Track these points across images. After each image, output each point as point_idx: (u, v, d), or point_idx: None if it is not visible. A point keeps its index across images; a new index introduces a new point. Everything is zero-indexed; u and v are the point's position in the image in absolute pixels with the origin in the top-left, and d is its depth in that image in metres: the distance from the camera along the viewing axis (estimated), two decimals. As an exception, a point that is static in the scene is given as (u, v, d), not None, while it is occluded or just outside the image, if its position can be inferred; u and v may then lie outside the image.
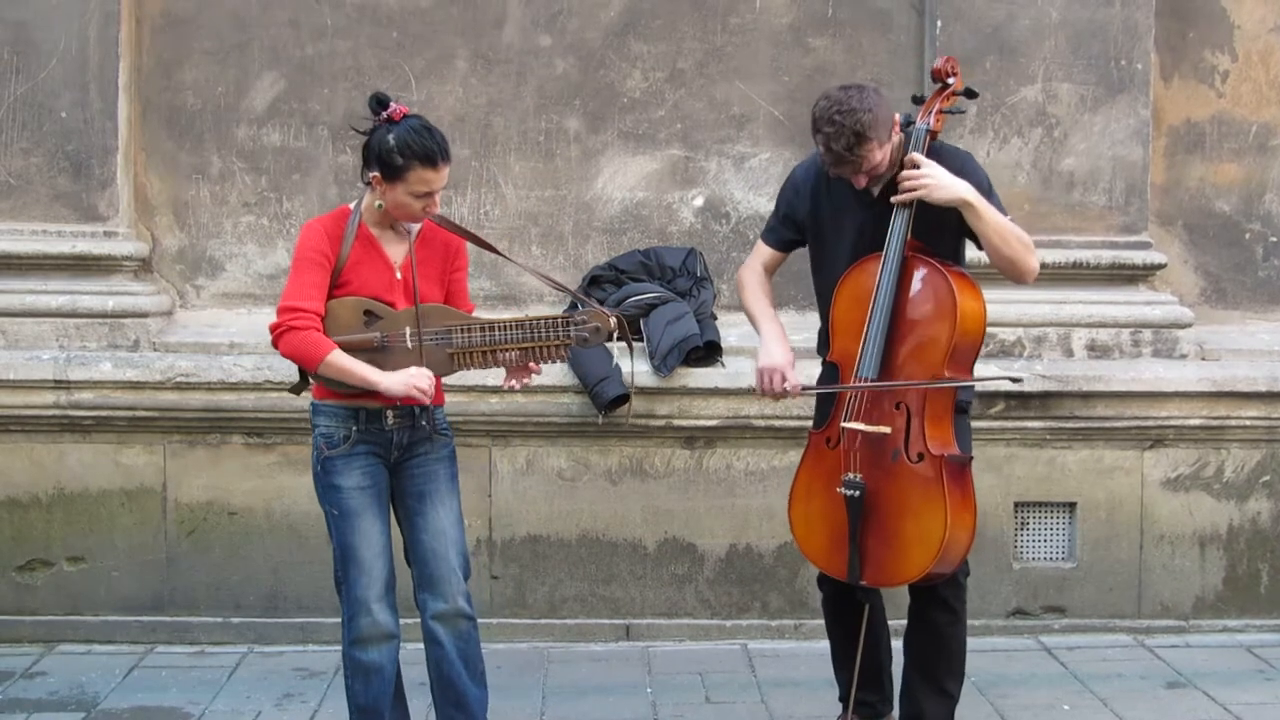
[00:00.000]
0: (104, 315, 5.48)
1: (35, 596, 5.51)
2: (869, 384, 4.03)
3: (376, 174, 3.85)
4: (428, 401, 3.86)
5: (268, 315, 5.63)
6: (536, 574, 5.58)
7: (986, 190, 4.08)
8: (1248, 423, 5.60)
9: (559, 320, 3.86)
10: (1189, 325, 5.67)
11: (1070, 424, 5.54)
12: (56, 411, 5.39)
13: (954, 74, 4.19)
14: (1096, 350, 5.61)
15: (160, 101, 5.70)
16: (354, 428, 3.92)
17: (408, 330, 3.87)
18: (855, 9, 5.77)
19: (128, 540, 5.51)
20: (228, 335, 5.56)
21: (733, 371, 5.45)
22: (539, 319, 3.87)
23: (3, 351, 5.41)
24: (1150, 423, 5.56)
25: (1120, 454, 5.61)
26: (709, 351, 5.47)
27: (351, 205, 3.99)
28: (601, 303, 5.45)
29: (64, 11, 5.45)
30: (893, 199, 4.02)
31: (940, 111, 4.15)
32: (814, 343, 4.44)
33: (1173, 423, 5.57)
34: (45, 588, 5.51)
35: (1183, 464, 5.65)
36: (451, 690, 4.03)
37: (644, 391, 5.39)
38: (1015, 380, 4.54)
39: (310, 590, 5.50)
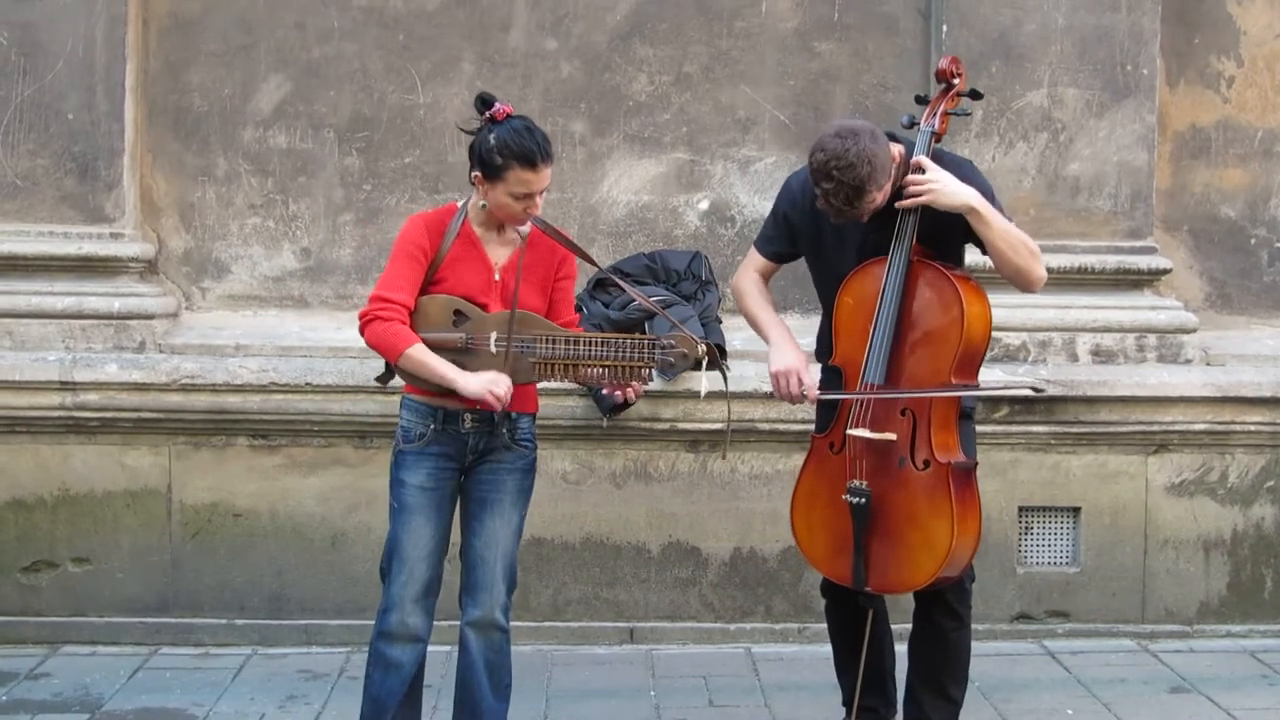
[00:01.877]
0: (110, 317, 5.48)
1: (40, 597, 5.51)
2: (885, 393, 4.00)
3: (478, 174, 3.85)
4: (499, 408, 3.83)
5: (273, 317, 5.70)
6: (540, 576, 5.58)
7: (989, 198, 4.03)
8: (1252, 428, 5.60)
9: (646, 342, 3.79)
10: (1194, 330, 5.67)
11: (1075, 429, 5.54)
12: (62, 413, 5.40)
13: (958, 75, 4.16)
14: (1101, 355, 5.61)
15: (167, 103, 5.71)
16: (431, 426, 3.92)
17: (493, 335, 3.85)
18: (861, 13, 5.77)
19: (132, 541, 5.51)
20: (233, 337, 5.57)
21: (737, 375, 5.44)
22: (626, 338, 3.82)
23: (9, 353, 5.41)
24: (1155, 428, 5.56)
25: (1125, 459, 5.61)
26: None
27: (459, 203, 3.99)
28: (606, 306, 5.46)
29: (71, 13, 5.45)
30: (898, 204, 3.98)
31: (945, 113, 4.12)
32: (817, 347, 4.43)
33: (1177, 428, 5.57)
34: (50, 589, 5.51)
35: (1187, 469, 5.64)
36: (469, 699, 4.04)
37: (648, 395, 5.39)
38: (1038, 390, 4.49)
39: (314, 592, 5.51)
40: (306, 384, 5.41)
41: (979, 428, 5.39)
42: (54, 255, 5.49)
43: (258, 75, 5.72)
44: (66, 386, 5.37)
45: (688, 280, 5.65)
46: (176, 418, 5.44)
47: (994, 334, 5.46)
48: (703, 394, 3.76)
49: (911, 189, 3.95)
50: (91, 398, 5.39)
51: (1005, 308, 5.50)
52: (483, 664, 4.00)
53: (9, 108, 5.48)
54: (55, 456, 5.47)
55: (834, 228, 4.13)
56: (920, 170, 3.96)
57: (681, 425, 5.49)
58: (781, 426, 5.42)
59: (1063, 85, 5.61)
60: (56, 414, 5.40)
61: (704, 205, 5.85)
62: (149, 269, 5.68)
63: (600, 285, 5.65)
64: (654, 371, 3.86)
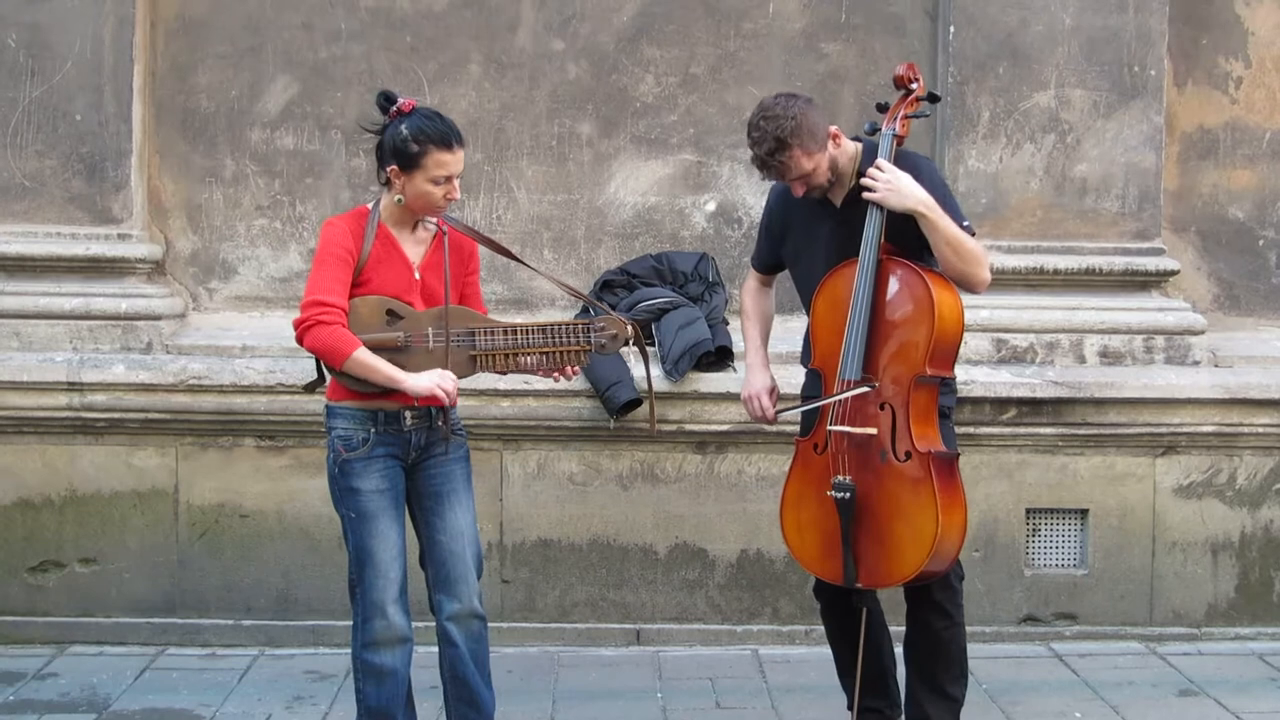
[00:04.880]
0: (117, 317, 5.49)
1: (47, 598, 5.52)
2: (839, 395, 4.08)
3: (394, 166, 3.87)
4: (448, 403, 3.87)
5: (280, 318, 5.70)
6: (547, 578, 5.58)
7: (942, 196, 4.14)
8: (1260, 430, 5.59)
9: (579, 326, 3.91)
10: (1202, 332, 5.66)
11: (1082, 430, 5.52)
12: (69, 413, 5.40)
13: (916, 80, 4.26)
14: (1109, 357, 5.60)
15: (174, 104, 5.72)
16: (372, 429, 3.92)
17: (430, 331, 3.89)
18: (868, 14, 5.77)
19: (139, 542, 5.52)
20: (240, 338, 5.57)
21: (744, 376, 5.43)
22: (560, 324, 3.92)
23: (16, 353, 5.42)
24: (1163, 429, 5.55)
25: (1132, 461, 5.60)
26: (720, 356, 5.47)
27: (370, 205, 4.00)
28: (613, 308, 5.46)
29: (79, 15, 5.47)
30: (863, 195, 4.07)
31: (905, 117, 4.21)
32: (796, 349, 4.54)
33: (1185, 430, 5.56)
34: (57, 589, 5.52)
35: (1195, 471, 5.63)
36: (466, 690, 4.05)
37: (655, 396, 5.37)
38: (872, 385, 4.25)
39: (321, 593, 5.51)
40: (313, 385, 5.41)
41: (986, 429, 5.44)
42: (61, 256, 5.50)
43: (265, 76, 5.73)
44: (74, 387, 5.37)
45: (695, 282, 5.65)
46: (183, 418, 5.45)
47: (1002, 335, 5.53)
48: (631, 367, 3.82)
49: (867, 184, 4.06)
50: (99, 398, 5.39)
51: (1012, 309, 5.52)
52: (470, 655, 4.03)
53: (17, 109, 5.49)
54: (62, 457, 5.48)
55: (804, 228, 4.30)
56: (879, 170, 4.07)
57: (689, 427, 5.48)
58: (789, 428, 5.41)
59: (1070, 86, 5.61)
60: (64, 414, 5.41)
61: (711, 206, 5.85)
62: (156, 270, 5.69)
63: (608, 286, 5.65)
64: (590, 354, 3.95)
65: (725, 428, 5.48)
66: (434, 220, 4.02)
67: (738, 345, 5.50)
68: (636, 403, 5.34)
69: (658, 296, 5.53)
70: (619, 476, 5.56)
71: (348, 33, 5.73)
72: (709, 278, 5.67)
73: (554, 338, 3.91)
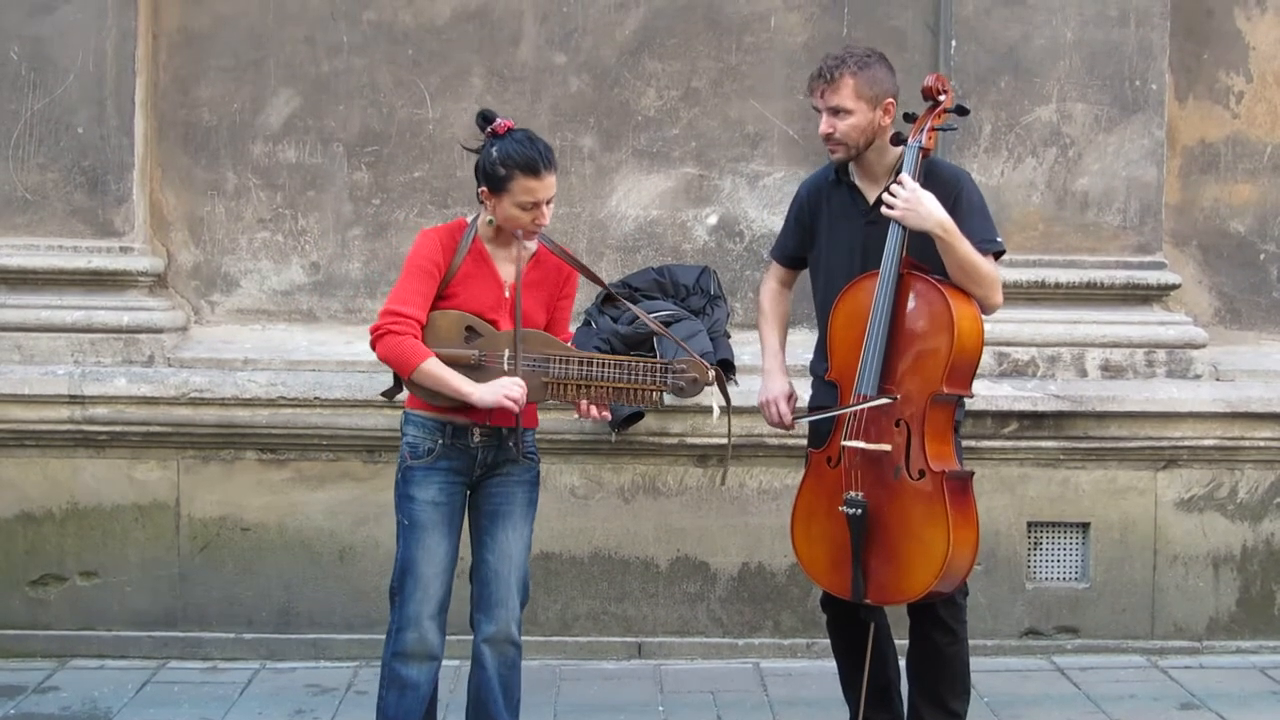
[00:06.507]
0: (119, 330, 5.49)
1: (48, 611, 5.51)
2: (855, 405, 4.05)
3: (484, 189, 3.89)
4: (518, 410, 3.85)
5: (282, 331, 5.71)
6: (548, 591, 5.57)
7: (979, 210, 4.14)
8: (1262, 444, 5.59)
9: (657, 366, 3.83)
10: (1203, 346, 5.66)
11: (1084, 444, 5.53)
12: (71, 426, 5.40)
13: (945, 91, 4.23)
14: (1110, 370, 5.61)
15: (176, 118, 5.73)
16: (440, 441, 3.93)
17: (506, 352, 3.88)
18: (870, 28, 5.77)
19: (141, 555, 5.51)
20: (242, 351, 5.57)
21: (746, 390, 5.42)
22: (638, 360, 3.86)
23: (18, 366, 5.42)
24: (1164, 443, 5.55)
25: (1134, 474, 5.60)
26: (722, 369, 5.47)
27: (469, 218, 4.02)
28: (615, 320, 5.46)
29: (81, 28, 5.47)
30: (882, 211, 4.06)
31: (933, 129, 4.17)
32: (805, 362, 4.50)
33: (1186, 443, 5.56)
34: (58, 602, 5.52)
35: (1196, 485, 5.63)
36: (484, 715, 4.04)
37: (656, 409, 5.39)
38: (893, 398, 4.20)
39: (322, 606, 5.51)
40: (315, 398, 5.41)
41: (988, 443, 5.43)
42: (63, 269, 5.50)
43: (267, 90, 5.73)
44: (75, 400, 5.37)
45: (696, 295, 5.64)
46: (185, 431, 5.45)
47: (1003, 349, 5.53)
48: (715, 416, 3.83)
49: (887, 199, 4.03)
50: (100, 411, 5.39)
51: (1014, 323, 5.52)
52: (497, 680, 4.01)
53: (19, 122, 5.50)
54: (64, 470, 5.48)
55: (829, 227, 4.29)
56: (901, 186, 4.03)
57: (690, 440, 5.48)
58: (790, 442, 5.40)
59: (1071, 100, 5.61)
60: (65, 427, 5.41)
61: (712, 220, 5.85)
62: (158, 283, 5.69)
63: (609, 299, 5.65)
64: (664, 395, 3.88)
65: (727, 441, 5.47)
66: (531, 240, 4.00)
67: (740, 358, 5.51)
68: (638, 416, 5.34)
69: (659, 310, 5.52)
70: (620, 489, 5.56)
71: (350, 46, 5.73)
72: (710, 291, 5.67)
73: (630, 374, 3.83)
